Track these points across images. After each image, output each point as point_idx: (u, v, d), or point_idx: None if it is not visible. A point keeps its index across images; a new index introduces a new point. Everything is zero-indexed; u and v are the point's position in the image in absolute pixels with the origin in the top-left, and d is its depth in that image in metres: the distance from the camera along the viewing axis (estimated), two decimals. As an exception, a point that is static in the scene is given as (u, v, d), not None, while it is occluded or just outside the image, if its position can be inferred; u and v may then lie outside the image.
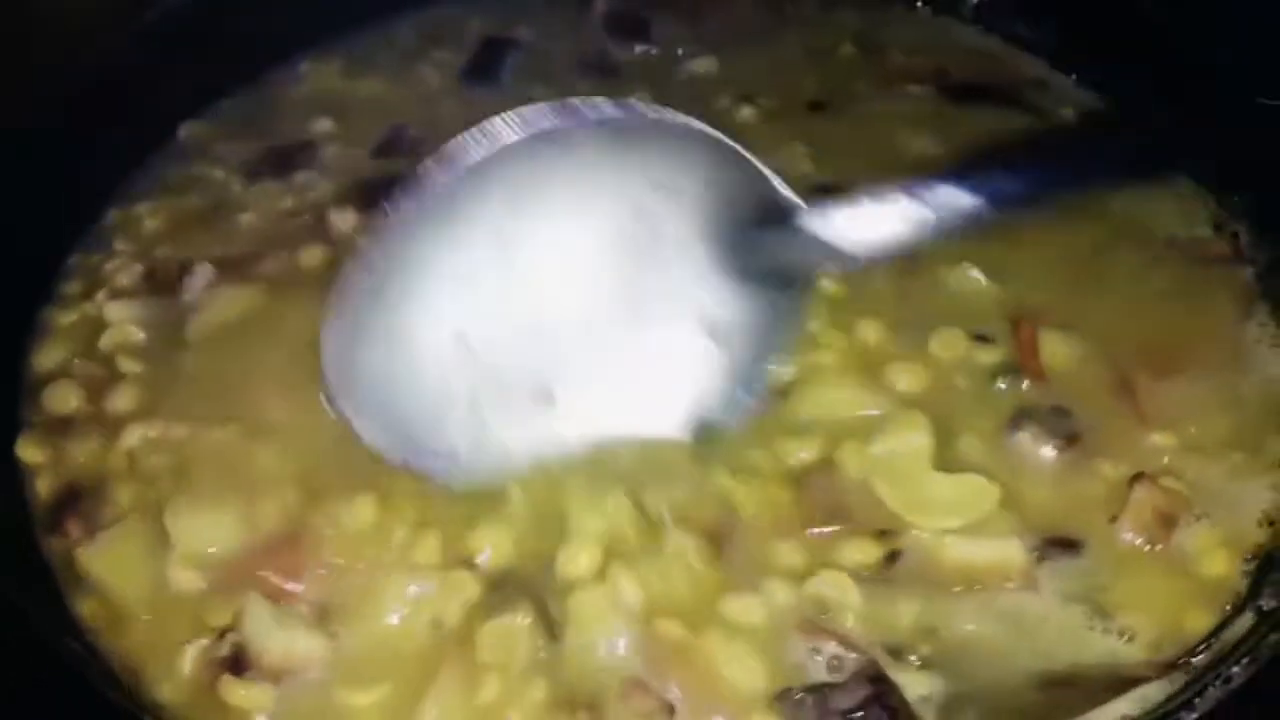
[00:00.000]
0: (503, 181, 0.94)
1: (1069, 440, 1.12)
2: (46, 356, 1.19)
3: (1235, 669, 0.95)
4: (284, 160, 1.38)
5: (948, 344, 1.17)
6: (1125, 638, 1.01)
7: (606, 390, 1.06)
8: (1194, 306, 1.24)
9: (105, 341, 1.19)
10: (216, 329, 1.19)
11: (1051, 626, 1.01)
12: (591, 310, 1.05)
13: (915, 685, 0.97)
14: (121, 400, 1.14)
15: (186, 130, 1.44)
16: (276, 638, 0.97)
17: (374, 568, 1.01)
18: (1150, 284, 1.25)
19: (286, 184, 1.35)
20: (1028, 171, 1.02)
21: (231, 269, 1.24)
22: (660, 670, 0.96)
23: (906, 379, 1.14)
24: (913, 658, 0.98)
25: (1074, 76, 1.51)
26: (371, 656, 0.98)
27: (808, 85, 1.49)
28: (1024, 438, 1.12)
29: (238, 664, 0.96)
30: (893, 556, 1.04)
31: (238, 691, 0.95)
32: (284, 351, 1.13)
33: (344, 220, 1.28)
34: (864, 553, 1.04)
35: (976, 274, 1.22)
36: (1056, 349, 1.17)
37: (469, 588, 0.99)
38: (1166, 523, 1.07)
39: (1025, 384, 1.15)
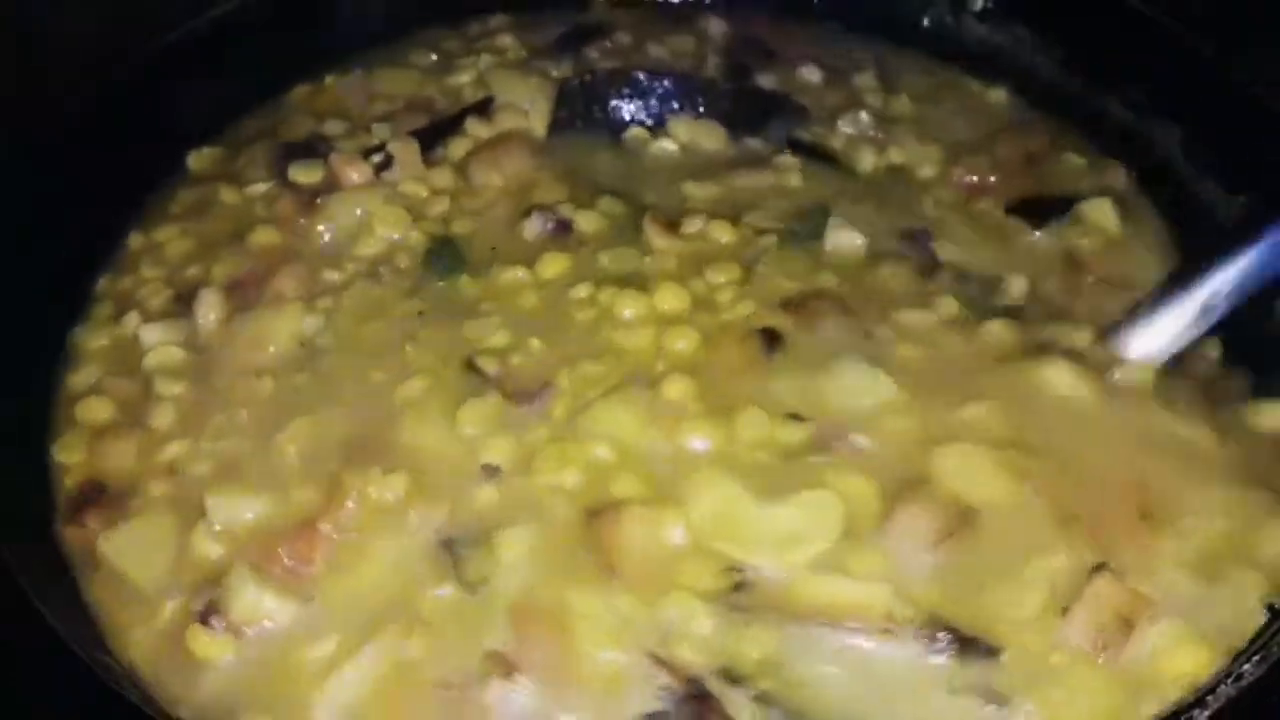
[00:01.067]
0: None
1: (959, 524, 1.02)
2: (80, 375, 1.25)
3: (1246, 667, 0.94)
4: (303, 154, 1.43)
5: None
6: None
7: None
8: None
9: (147, 363, 1.24)
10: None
11: (920, 699, 0.96)
12: None
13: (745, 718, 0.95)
14: (160, 418, 1.19)
15: (194, 160, 1.49)
16: (248, 596, 1.03)
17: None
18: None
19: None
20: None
21: (243, 290, 1.30)
22: (525, 640, 1.00)
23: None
24: (749, 691, 0.96)
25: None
26: (337, 614, 1.04)
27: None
28: (903, 519, 1.03)
29: (207, 617, 1.02)
30: (739, 586, 1.01)
31: (201, 639, 1.01)
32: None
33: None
34: (711, 581, 1.01)
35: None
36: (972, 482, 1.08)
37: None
38: (1124, 626, 0.96)
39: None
